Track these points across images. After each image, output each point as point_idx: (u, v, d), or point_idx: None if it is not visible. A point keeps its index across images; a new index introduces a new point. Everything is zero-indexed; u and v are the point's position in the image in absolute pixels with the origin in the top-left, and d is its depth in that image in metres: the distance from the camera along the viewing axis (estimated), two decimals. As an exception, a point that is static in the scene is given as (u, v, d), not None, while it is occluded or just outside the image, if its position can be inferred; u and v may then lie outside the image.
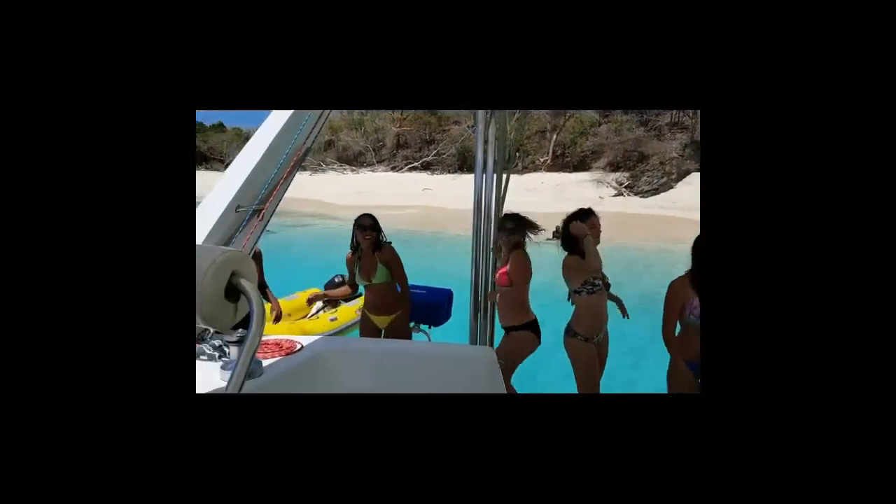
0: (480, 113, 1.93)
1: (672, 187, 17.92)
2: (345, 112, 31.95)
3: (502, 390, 1.62)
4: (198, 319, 0.70)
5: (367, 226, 2.79)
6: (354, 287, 3.02)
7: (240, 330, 1.27)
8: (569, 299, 2.49)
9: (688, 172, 18.32)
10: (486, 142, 1.93)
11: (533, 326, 2.56)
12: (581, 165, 21.53)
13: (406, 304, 2.92)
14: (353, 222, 2.90)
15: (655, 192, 17.76)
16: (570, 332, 2.46)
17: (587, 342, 2.43)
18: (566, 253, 2.41)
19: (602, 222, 2.52)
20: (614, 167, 20.17)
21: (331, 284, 3.33)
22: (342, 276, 3.35)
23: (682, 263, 2.20)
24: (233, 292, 0.68)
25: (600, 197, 17.43)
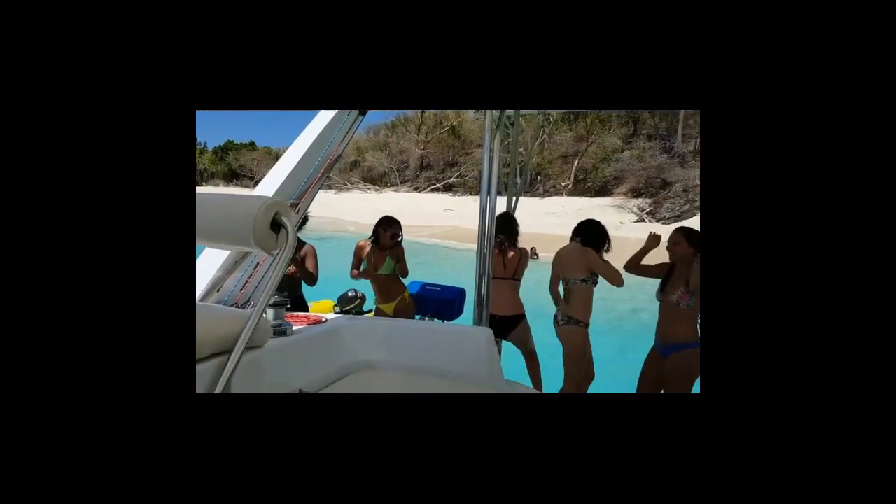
0: (487, 136, 2.05)
1: (695, 214, 17.78)
2: (371, 133, 32.82)
3: (498, 365, 1.76)
4: (252, 244, 0.86)
5: (395, 224, 3.19)
6: (357, 277, 3.34)
7: (278, 294, 1.55)
8: (566, 287, 2.66)
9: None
10: (492, 162, 2.10)
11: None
12: (603, 191, 21.57)
13: (405, 290, 3.30)
14: (378, 223, 3.25)
15: (678, 218, 17.65)
16: (566, 319, 2.62)
17: (583, 327, 2.60)
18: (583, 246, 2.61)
19: (624, 247, 2.78)
20: (636, 193, 20.15)
21: (344, 299, 3.56)
22: (355, 290, 3.46)
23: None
24: (275, 226, 0.88)
25: (621, 222, 17.41)
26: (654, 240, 2.56)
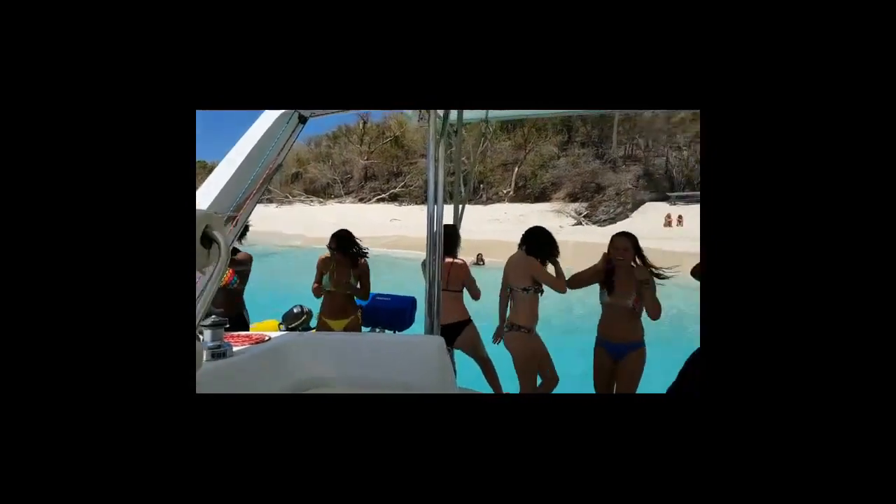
0: (431, 145, 2.02)
1: (628, 216, 18.91)
2: (312, 144, 32.18)
3: (451, 373, 1.73)
4: None
5: (353, 240, 3.08)
6: (319, 292, 3.18)
7: (213, 315, 1.51)
8: (511, 295, 2.74)
9: (642, 202, 19.42)
10: (437, 171, 2.10)
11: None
12: (542, 196, 22.44)
13: (359, 309, 3.21)
14: (329, 239, 3.10)
15: (612, 220, 18.69)
16: (510, 326, 2.69)
17: (526, 333, 2.65)
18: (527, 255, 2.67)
19: (564, 250, 2.90)
20: (573, 198, 21.15)
21: (289, 316, 3.24)
22: (301, 306, 3.30)
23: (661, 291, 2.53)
24: (205, 241, 0.85)
25: (560, 226, 18.19)
26: (604, 262, 2.60)
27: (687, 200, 18.29)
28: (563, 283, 2.64)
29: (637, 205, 19.37)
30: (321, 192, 29.49)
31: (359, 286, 3.09)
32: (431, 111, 1.97)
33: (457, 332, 2.95)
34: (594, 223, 18.88)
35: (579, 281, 2.67)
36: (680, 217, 16.93)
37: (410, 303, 3.40)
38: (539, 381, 2.73)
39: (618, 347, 2.52)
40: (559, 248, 2.82)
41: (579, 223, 19.11)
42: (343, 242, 3.04)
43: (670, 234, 15.81)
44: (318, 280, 3.14)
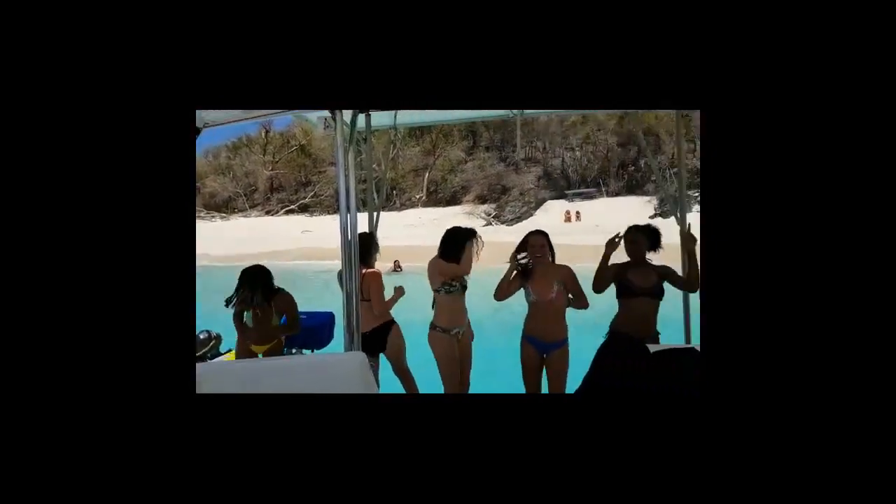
0: (340, 153, 1.92)
1: (532, 214, 20.20)
2: (210, 156, 30.19)
3: (375, 389, 1.68)
4: None
5: (260, 278, 2.71)
6: (244, 332, 2.80)
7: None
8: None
9: (544, 200, 20.84)
10: (347, 179, 2.04)
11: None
12: (453, 200, 23.20)
13: (282, 332, 2.89)
14: (238, 274, 2.72)
15: (519, 219, 19.87)
16: (431, 326, 2.68)
17: (444, 333, 2.64)
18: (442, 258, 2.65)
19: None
20: (482, 200, 22.13)
21: (196, 342, 2.94)
22: (208, 331, 3.04)
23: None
24: None
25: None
26: (610, 245, 2.51)
27: (582, 197, 19.99)
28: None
29: (539, 203, 20.76)
30: (223, 206, 27.83)
31: (284, 324, 2.75)
32: (337, 118, 1.88)
33: (382, 336, 2.77)
34: (503, 223, 19.94)
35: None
36: (577, 213, 18.48)
37: (328, 318, 3.17)
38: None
39: (544, 344, 2.54)
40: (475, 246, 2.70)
41: (489, 223, 20.05)
42: (252, 283, 2.65)
43: (570, 228, 17.19)
44: (239, 319, 2.74)
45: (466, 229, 2.72)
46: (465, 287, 2.68)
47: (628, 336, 2.18)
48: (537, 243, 2.58)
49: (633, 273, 2.47)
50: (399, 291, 2.82)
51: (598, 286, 2.50)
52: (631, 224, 2.63)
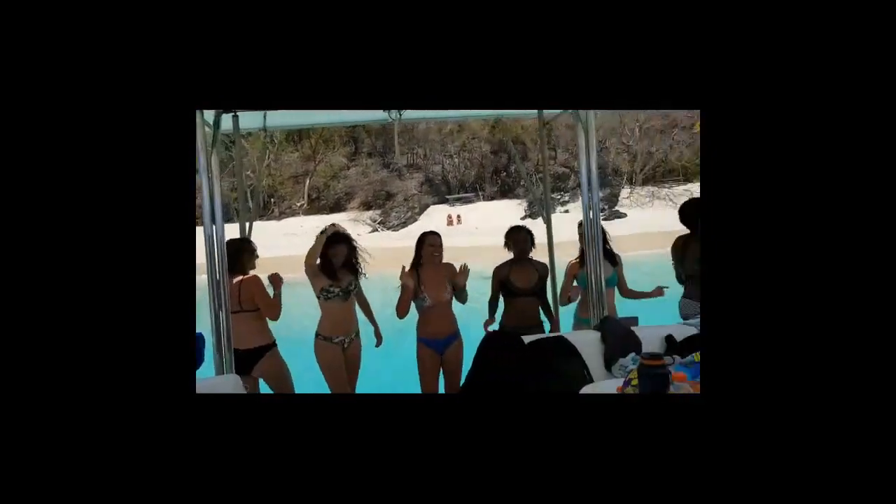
0: (202, 157, 1.76)
1: (417, 219, 20.70)
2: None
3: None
4: None
5: None
6: None
7: None
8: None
9: (427, 206, 21.46)
10: (212, 186, 1.91)
11: None
12: (337, 207, 22.77)
13: None
14: None
15: (404, 224, 20.24)
16: (315, 334, 2.64)
17: (327, 342, 2.57)
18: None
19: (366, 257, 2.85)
20: (367, 206, 22.08)
21: None
22: None
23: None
24: None
25: (358, 234, 18.79)
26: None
27: (462, 201, 21.03)
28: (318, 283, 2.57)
29: (423, 208, 21.35)
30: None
31: None
32: (197, 119, 1.73)
33: (257, 358, 2.47)
34: (389, 228, 20.13)
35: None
36: (459, 216, 19.42)
37: (197, 339, 3.10)
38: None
39: (439, 343, 2.59)
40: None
41: (375, 230, 20.10)
42: None
43: (454, 231, 17.99)
44: None
45: (336, 234, 2.71)
46: (347, 292, 2.62)
47: (504, 331, 2.52)
48: (436, 242, 2.69)
49: (516, 274, 2.74)
50: (275, 278, 2.59)
51: (563, 301, 2.86)
52: (511, 225, 3.01)
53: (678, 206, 2.81)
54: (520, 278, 2.73)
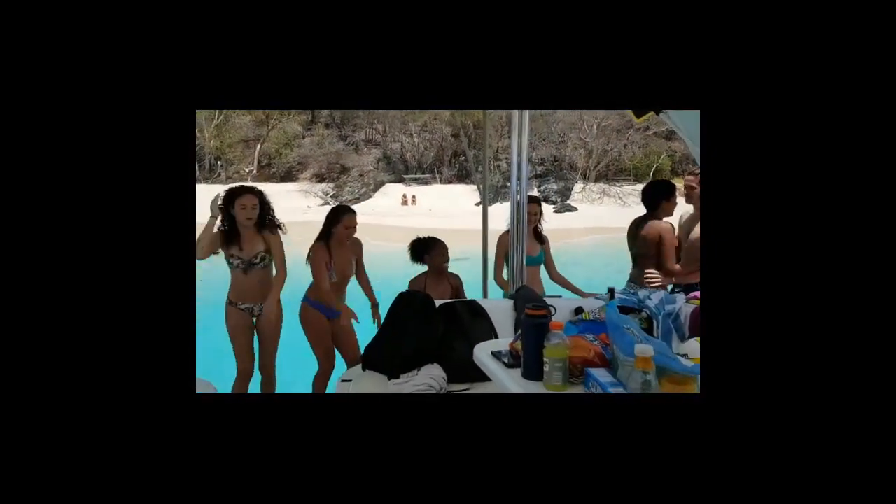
0: None
1: (371, 196, 20.36)
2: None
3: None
4: None
5: None
6: None
7: None
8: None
9: (383, 183, 21.14)
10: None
11: None
12: (288, 176, 21.97)
13: None
14: None
15: (357, 200, 19.84)
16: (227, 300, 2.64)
17: (233, 307, 2.58)
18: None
19: (313, 230, 2.83)
20: (320, 178, 21.44)
21: None
22: None
23: (396, 263, 2.82)
24: None
25: (308, 206, 18.29)
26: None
27: (419, 182, 20.86)
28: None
29: (378, 185, 21.00)
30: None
31: None
32: None
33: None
34: (341, 202, 19.68)
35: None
36: (414, 197, 19.25)
37: None
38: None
39: (332, 312, 2.69)
40: (287, 227, 2.68)
41: (327, 203, 19.59)
42: None
43: (408, 211, 17.85)
44: None
45: (242, 187, 2.63)
46: (247, 264, 2.55)
47: (414, 291, 2.50)
48: (352, 223, 2.74)
49: (430, 288, 2.73)
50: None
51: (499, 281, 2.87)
52: (429, 236, 2.98)
53: (626, 204, 2.91)
54: (434, 292, 2.72)
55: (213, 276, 2.73)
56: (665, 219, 2.70)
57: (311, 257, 2.68)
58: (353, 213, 2.78)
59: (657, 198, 2.69)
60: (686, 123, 2.41)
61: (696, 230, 2.64)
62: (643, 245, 2.69)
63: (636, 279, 2.74)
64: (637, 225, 2.78)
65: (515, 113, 2.24)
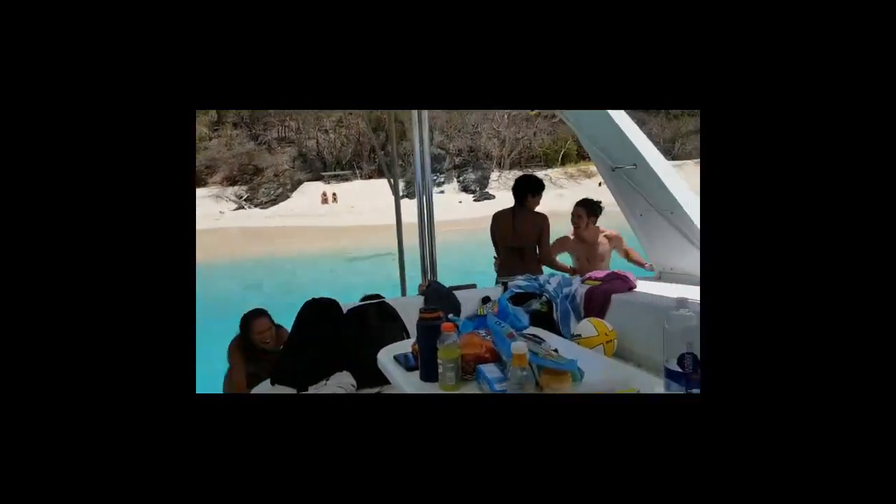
0: None
1: (289, 196, 19.66)
2: None
3: None
4: None
5: None
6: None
7: None
8: None
9: (300, 182, 20.49)
10: None
11: None
12: (197, 181, 20.56)
13: None
14: None
15: (274, 202, 19.09)
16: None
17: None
18: None
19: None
20: (231, 181, 20.32)
21: None
22: None
23: (321, 267, 2.69)
24: None
25: (220, 212, 17.32)
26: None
27: (339, 179, 20.49)
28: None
29: (296, 185, 20.32)
30: None
31: None
32: None
33: None
34: (257, 206, 18.82)
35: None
36: (334, 194, 18.90)
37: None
38: None
39: None
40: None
41: (241, 207, 18.65)
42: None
43: (329, 210, 17.50)
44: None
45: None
46: None
47: (322, 299, 2.50)
48: (262, 328, 2.44)
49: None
50: None
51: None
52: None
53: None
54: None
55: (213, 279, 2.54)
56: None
57: (228, 356, 2.46)
58: (262, 315, 2.50)
59: (524, 192, 2.84)
60: (577, 118, 2.71)
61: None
62: (524, 236, 2.84)
63: (510, 268, 2.81)
64: (495, 220, 2.95)
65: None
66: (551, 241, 2.91)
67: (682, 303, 1.01)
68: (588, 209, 2.95)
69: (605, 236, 3.00)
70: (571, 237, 3.05)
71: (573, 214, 3.01)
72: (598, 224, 3.04)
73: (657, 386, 1.04)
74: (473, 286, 2.71)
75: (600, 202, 3.03)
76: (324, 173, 21.20)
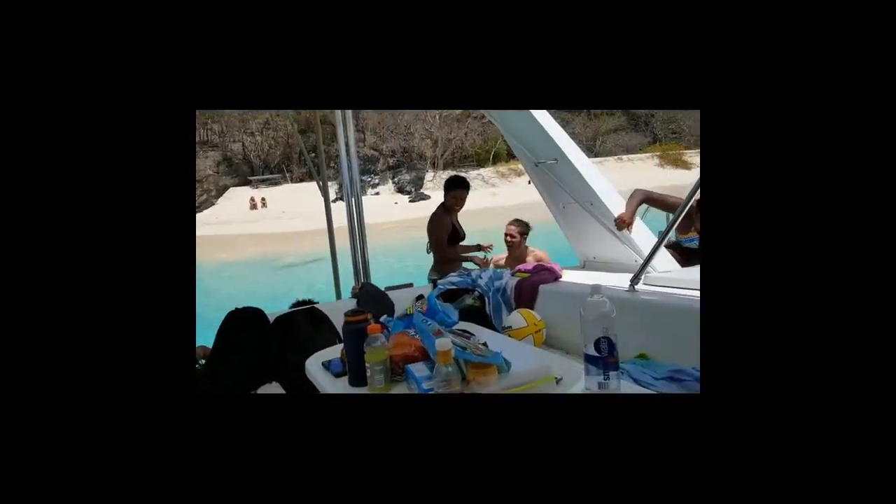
0: None
1: (214, 203, 18.64)
2: None
3: None
4: None
5: None
6: None
7: None
8: None
9: (226, 188, 19.46)
10: None
11: None
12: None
13: None
14: None
15: (198, 209, 18.01)
16: None
17: None
18: None
19: None
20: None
21: None
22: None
23: (253, 277, 2.62)
24: None
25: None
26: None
27: (268, 183, 19.67)
28: None
29: (221, 191, 19.30)
30: None
31: None
32: None
33: None
34: (179, 214, 17.64)
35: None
36: (263, 199, 18.12)
37: None
38: None
39: None
40: None
41: (161, 215, 17.44)
42: None
43: (258, 216, 16.75)
44: None
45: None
46: None
47: (247, 308, 2.44)
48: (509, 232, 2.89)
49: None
50: None
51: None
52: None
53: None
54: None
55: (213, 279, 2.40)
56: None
57: None
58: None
59: (446, 190, 3.09)
60: (502, 117, 2.80)
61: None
62: (429, 232, 3.09)
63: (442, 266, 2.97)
64: (431, 220, 3.15)
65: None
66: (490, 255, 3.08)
67: (595, 289, 1.06)
68: (520, 227, 3.13)
69: (535, 256, 3.13)
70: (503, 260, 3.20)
71: (506, 234, 3.17)
72: (527, 244, 3.19)
73: (579, 371, 1.08)
74: (410, 285, 2.73)
75: (528, 223, 3.20)
76: (251, 178, 20.28)
